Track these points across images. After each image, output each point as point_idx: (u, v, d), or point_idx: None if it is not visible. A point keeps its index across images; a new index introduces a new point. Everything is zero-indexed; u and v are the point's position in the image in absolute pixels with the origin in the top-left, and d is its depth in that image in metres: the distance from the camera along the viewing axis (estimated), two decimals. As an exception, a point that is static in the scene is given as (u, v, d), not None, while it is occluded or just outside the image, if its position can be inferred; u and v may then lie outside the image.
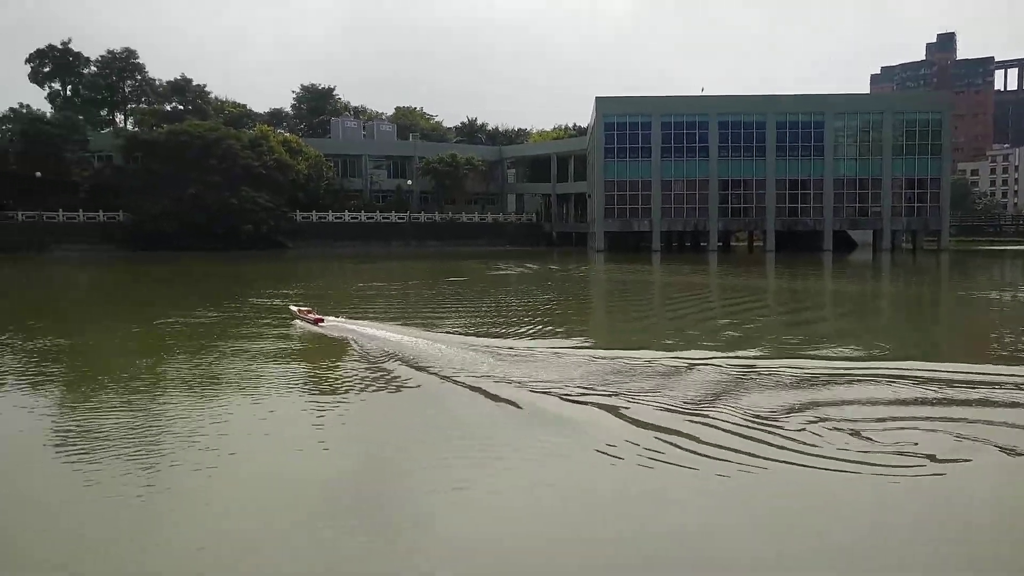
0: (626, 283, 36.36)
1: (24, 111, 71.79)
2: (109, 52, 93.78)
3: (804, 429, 8.70)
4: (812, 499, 6.96)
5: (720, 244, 72.22)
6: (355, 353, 14.37)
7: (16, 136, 68.40)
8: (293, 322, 18.76)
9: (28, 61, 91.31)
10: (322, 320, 17.95)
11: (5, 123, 71.26)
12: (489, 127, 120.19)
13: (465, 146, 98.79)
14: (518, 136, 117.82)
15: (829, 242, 69.09)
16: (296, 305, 20.45)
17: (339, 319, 18.64)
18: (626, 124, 68.79)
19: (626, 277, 40.07)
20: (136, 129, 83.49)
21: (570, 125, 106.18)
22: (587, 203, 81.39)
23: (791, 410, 9.57)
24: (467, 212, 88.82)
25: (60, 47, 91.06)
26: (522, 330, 17.21)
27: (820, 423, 8.97)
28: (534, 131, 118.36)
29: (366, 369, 12.77)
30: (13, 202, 67.34)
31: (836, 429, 8.72)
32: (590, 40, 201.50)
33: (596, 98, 69.90)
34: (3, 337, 17.08)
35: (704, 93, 71.89)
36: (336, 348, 15.18)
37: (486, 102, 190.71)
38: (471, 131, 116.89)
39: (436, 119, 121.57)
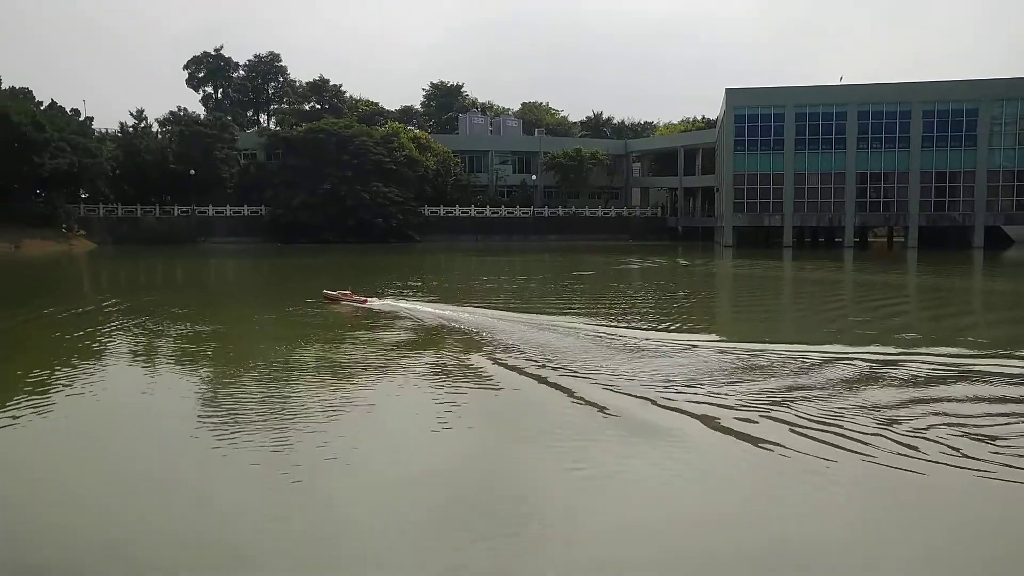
0: (759, 278, 35.32)
1: (181, 114, 77.50)
2: (256, 56, 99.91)
3: (929, 432, 8.29)
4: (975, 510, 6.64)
5: (856, 240, 68.66)
6: (485, 344, 14.73)
7: (175, 137, 73.96)
8: (332, 306, 19.97)
9: (185, 67, 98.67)
10: (366, 301, 19.52)
11: (166, 125, 77.19)
12: (615, 121, 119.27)
13: (590, 140, 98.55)
14: (644, 129, 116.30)
15: (980, 238, 64.21)
16: (343, 292, 20.86)
17: (462, 307, 19.17)
18: (757, 116, 66.55)
19: (758, 272, 38.91)
20: (278, 128, 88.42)
21: (698, 118, 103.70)
22: (715, 197, 79.38)
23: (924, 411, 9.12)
24: (590, 206, 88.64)
25: (213, 53, 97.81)
26: (662, 325, 17.03)
27: (955, 427, 8.52)
28: (660, 124, 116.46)
29: (493, 361, 13.06)
30: (171, 198, 72.93)
31: (979, 437, 8.26)
32: (720, 31, 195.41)
33: (726, 90, 67.99)
34: (156, 320, 18.65)
35: (843, 82, 68.30)
36: (465, 339, 15.58)
37: (612, 96, 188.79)
38: (596, 125, 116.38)
39: (562, 114, 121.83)
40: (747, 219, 68.12)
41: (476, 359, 12.91)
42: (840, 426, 8.47)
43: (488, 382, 11.28)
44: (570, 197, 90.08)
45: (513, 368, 12.08)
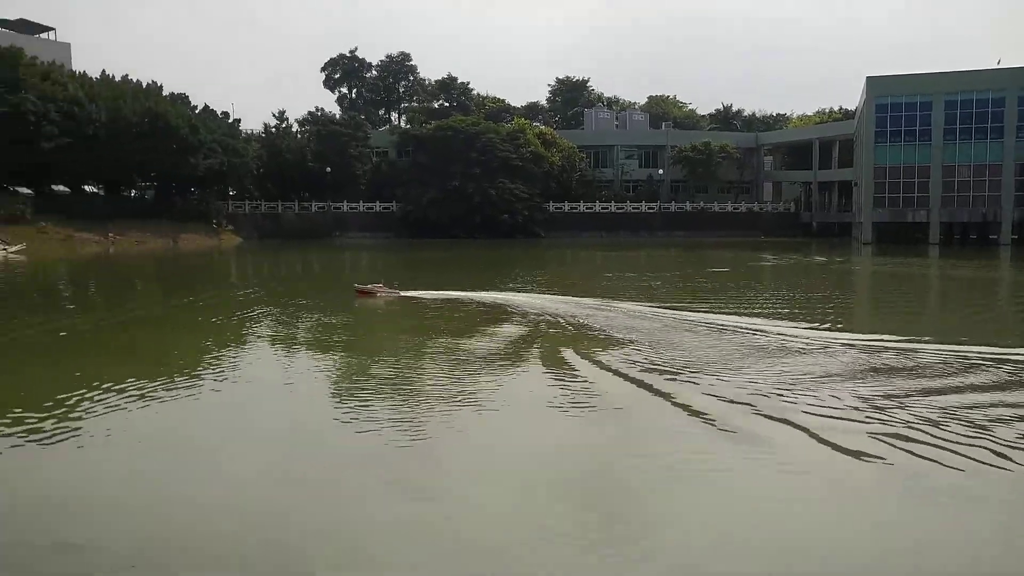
0: (904, 277, 33.33)
1: (319, 114, 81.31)
2: (388, 56, 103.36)
3: None
4: None
5: (1014, 237, 63.33)
6: (615, 337, 14.68)
7: (312, 136, 77.69)
8: (365, 298, 20.91)
9: (322, 69, 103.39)
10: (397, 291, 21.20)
11: (304, 125, 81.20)
12: (745, 113, 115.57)
13: (719, 133, 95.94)
14: (776, 122, 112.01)
15: None
16: (375, 284, 21.92)
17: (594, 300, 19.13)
18: (901, 105, 62.61)
19: (903, 270, 36.73)
20: (408, 126, 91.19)
21: (835, 108, 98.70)
22: (852, 191, 75.42)
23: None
24: (719, 201, 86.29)
25: (348, 55, 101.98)
26: (805, 322, 16.48)
27: None
28: (794, 116, 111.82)
29: (627, 357, 13.00)
30: (309, 194, 76.70)
31: None
32: (858, 17, 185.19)
33: (867, 78, 64.34)
34: (297, 308, 19.69)
35: (1001, 66, 62.94)
36: (593, 333, 15.58)
37: (742, 88, 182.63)
38: (726, 118, 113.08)
39: (689, 107, 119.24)
40: (888, 214, 64.27)
41: (594, 353, 12.90)
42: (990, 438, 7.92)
43: (610, 378, 11.25)
44: (698, 192, 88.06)
45: (649, 365, 11.99)
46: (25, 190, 57.67)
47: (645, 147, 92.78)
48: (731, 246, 58.67)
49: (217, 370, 12.11)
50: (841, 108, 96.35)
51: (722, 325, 15.72)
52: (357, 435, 8.34)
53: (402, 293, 21.52)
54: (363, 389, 10.60)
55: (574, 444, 8.25)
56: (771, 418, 8.71)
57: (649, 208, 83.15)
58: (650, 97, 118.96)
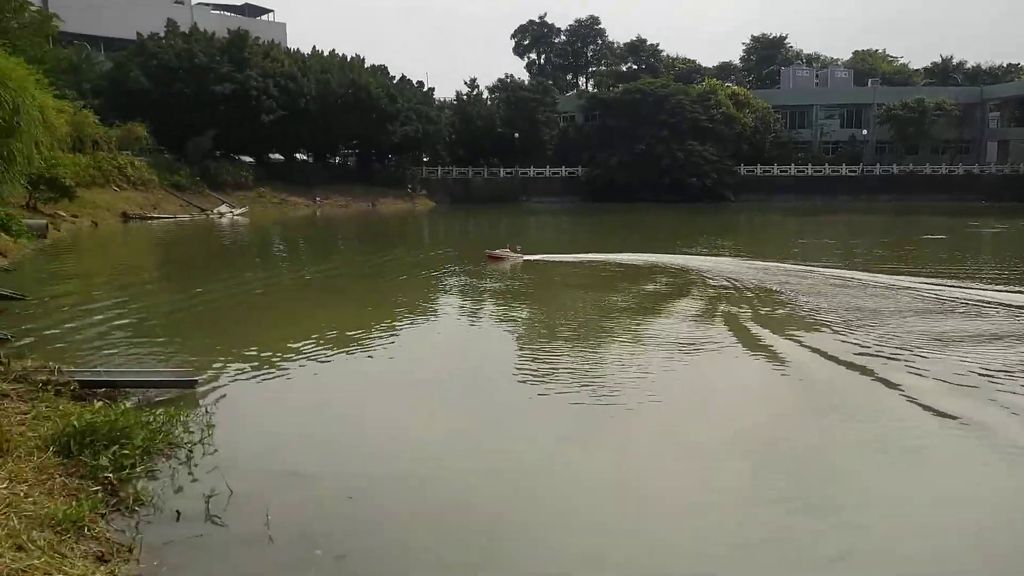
0: None
1: (508, 80, 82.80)
2: (576, 21, 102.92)
3: None
4: None
5: None
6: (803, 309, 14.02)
7: (502, 103, 79.33)
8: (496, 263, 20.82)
9: (512, 36, 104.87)
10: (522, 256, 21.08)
11: (494, 92, 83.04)
12: (967, 66, 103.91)
13: (935, 88, 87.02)
14: (1006, 73, 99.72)
15: None
16: (503, 249, 21.51)
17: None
18: None
19: None
20: (595, 90, 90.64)
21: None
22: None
23: None
24: (931, 163, 78.65)
25: (537, 21, 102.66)
26: None
27: None
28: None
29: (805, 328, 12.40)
30: (497, 160, 78.63)
31: None
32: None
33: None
34: (483, 269, 20.36)
35: None
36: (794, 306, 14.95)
37: (965, 37, 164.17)
38: (944, 72, 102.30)
39: (900, 61, 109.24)
40: None
41: (789, 326, 12.35)
42: None
43: (803, 352, 10.75)
44: (907, 153, 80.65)
45: (846, 340, 11.37)
46: (247, 159, 63.58)
47: (847, 106, 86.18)
48: (945, 212, 53.47)
49: (417, 321, 12.91)
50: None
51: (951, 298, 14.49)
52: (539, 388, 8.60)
53: (525, 257, 21.43)
54: (544, 344, 10.88)
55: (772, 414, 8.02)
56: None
57: (850, 171, 77.46)
58: (855, 52, 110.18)
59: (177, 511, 5.35)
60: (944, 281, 16.76)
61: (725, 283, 16.90)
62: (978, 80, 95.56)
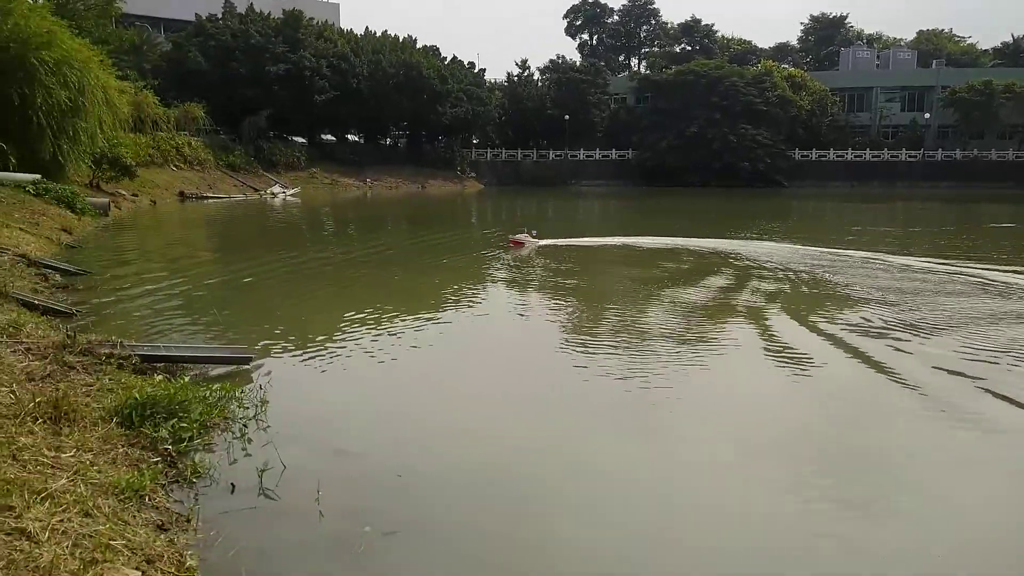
0: None
1: (560, 62, 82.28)
2: (630, 1, 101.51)
3: None
4: None
5: None
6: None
7: (552, 84, 78.89)
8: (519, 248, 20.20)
9: (565, 16, 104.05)
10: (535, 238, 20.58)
11: (545, 73, 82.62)
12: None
13: (1004, 70, 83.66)
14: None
15: None
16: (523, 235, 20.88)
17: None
18: None
19: None
20: (648, 71, 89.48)
21: None
22: None
23: None
24: (997, 148, 75.85)
25: (590, 1, 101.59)
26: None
27: None
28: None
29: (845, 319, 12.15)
30: (547, 142, 78.31)
31: None
32: None
33: None
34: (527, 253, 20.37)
35: None
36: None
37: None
38: (1015, 52, 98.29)
39: (968, 41, 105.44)
40: None
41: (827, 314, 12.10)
42: None
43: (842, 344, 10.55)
44: (972, 138, 77.89)
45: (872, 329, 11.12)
46: (300, 139, 64.53)
47: (910, 88, 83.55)
48: (1012, 200, 51.63)
49: (457, 301, 13.02)
50: None
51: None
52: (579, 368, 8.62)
53: (541, 242, 20.81)
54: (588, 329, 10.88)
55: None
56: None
57: (910, 156, 75.25)
58: (919, 32, 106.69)
59: (232, 484, 5.52)
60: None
61: (760, 268, 16.65)
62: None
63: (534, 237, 20.66)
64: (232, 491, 5.44)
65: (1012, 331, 10.70)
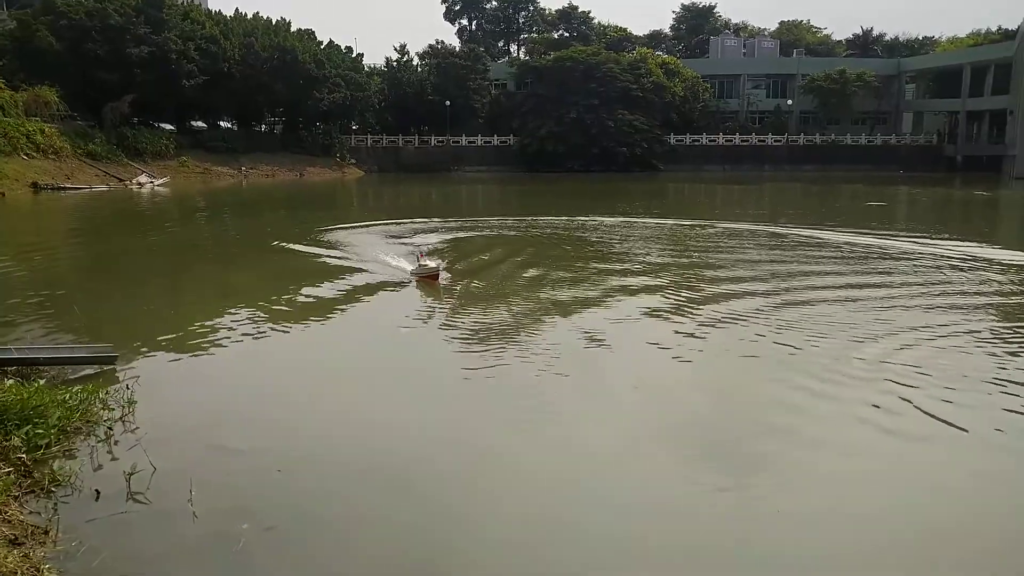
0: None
1: (439, 47, 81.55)
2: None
3: None
4: None
5: None
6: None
7: (432, 70, 78.07)
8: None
9: (443, 1, 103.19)
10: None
11: (424, 58, 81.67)
12: (887, 38, 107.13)
13: (856, 60, 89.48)
14: (922, 46, 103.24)
15: None
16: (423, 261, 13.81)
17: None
18: (1071, 22, 56.35)
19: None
20: (527, 57, 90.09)
21: (992, 29, 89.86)
22: (1007, 121, 69.20)
23: None
24: (852, 133, 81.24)
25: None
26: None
27: None
28: (943, 39, 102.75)
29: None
30: (428, 128, 77.57)
31: None
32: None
33: (1031, -7, 58.15)
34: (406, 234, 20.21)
35: None
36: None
37: (886, 9, 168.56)
38: (865, 43, 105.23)
39: (824, 32, 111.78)
40: (1048, 146, 58.76)
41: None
42: None
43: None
44: (829, 124, 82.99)
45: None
46: (168, 126, 61.20)
47: (774, 76, 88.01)
48: (866, 181, 55.48)
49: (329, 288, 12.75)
50: (1000, 28, 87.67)
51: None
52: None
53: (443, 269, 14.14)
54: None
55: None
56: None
57: (776, 140, 79.38)
58: (781, 23, 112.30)
59: (96, 490, 5.22)
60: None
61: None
62: (896, 52, 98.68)
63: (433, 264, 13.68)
64: (97, 498, 5.14)
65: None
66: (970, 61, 78.24)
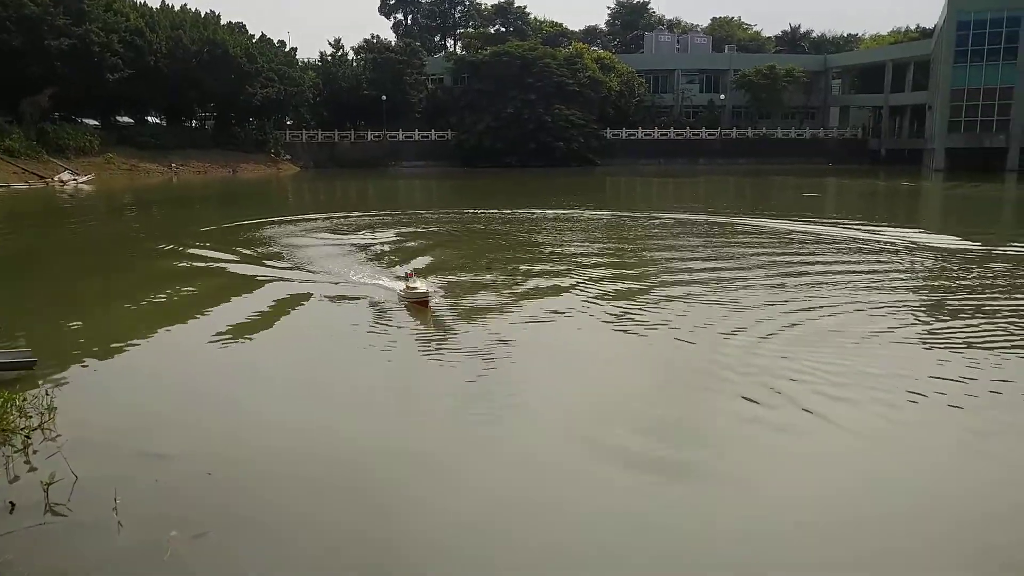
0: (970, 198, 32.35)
1: (375, 41, 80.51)
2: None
3: None
4: None
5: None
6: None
7: (368, 64, 77.08)
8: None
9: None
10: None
11: (360, 53, 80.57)
12: (814, 35, 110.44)
13: (785, 56, 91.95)
14: (847, 43, 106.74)
15: None
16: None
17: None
18: (986, 21, 58.88)
19: (972, 193, 35.66)
20: (464, 52, 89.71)
21: (912, 27, 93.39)
22: (925, 116, 72.01)
23: None
24: (782, 127, 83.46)
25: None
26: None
27: None
28: (867, 36, 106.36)
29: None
30: (364, 123, 76.63)
31: None
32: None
33: (949, -8, 60.58)
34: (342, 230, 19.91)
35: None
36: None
37: (813, 7, 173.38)
38: (793, 40, 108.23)
39: (755, 28, 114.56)
40: (963, 140, 61.36)
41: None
42: None
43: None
44: (761, 118, 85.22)
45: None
46: (92, 122, 58.98)
47: (707, 71, 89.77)
48: (797, 174, 56.98)
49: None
50: (919, 27, 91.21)
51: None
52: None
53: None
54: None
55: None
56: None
57: (709, 135, 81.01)
58: (713, 19, 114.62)
59: (11, 502, 4.95)
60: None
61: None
62: (822, 49, 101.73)
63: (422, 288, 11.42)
64: (11, 510, 4.87)
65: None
66: (892, 58, 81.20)
